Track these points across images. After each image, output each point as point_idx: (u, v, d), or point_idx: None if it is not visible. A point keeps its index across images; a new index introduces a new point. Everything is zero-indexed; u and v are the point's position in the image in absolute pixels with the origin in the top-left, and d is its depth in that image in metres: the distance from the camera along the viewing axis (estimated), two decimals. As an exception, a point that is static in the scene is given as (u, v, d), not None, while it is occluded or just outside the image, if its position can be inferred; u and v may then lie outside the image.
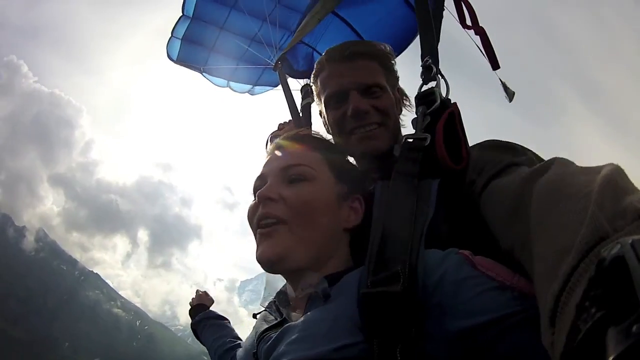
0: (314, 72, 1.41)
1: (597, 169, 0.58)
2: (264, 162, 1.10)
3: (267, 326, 0.99)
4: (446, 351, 0.73)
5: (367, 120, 1.28)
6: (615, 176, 0.53)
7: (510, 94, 1.58)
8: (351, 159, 1.30)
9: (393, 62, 1.41)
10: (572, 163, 0.73)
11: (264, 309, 1.12)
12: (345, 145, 1.30)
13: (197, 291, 2.18)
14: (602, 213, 0.45)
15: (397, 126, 1.35)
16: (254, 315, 1.15)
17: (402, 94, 1.44)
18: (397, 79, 1.41)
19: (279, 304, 1.05)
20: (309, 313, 0.88)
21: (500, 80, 1.55)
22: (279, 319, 0.99)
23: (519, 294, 0.69)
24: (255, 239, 0.99)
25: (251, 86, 2.92)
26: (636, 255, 0.32)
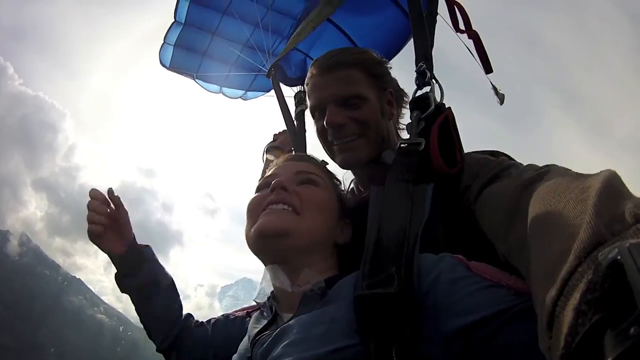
0: (305, 80, 1.41)
1: (593, 175, 0.59)
2: (273, 168, 1.16)
3: (260, 327, 1.00)
4: (442, 350, 0.73)
5: (343, 132, 1.27)
6: (612, 182, 0.54)
7: (500, 97, 1.58)
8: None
9: (383, 67, 1.39)
10: (568, 170, 0.74)
11: (257, 304, 1.13)
12: (329, 154, 1.35)
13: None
14: (600, 218, 0.46)
15: (383, 134, 1.31)
16: (248, 314, 1.18)
17: (400, 96, 1.42)
18: (388, 82, 1.38)
19: (271, 300, 1.07)
20: (304, 315, 0.89)
21: (491, 83, 1.56)
22: (269, 318, 1.02)
23: (515, 291, 0.71)
24: (254, 220, 1.02)
25: (244, 91, 2.92)
26: (633, 259, 0.32)
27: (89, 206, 1.31)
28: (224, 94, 2.97)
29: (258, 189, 1.10)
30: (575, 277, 0.41)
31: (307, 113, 1.75)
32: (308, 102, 1.37)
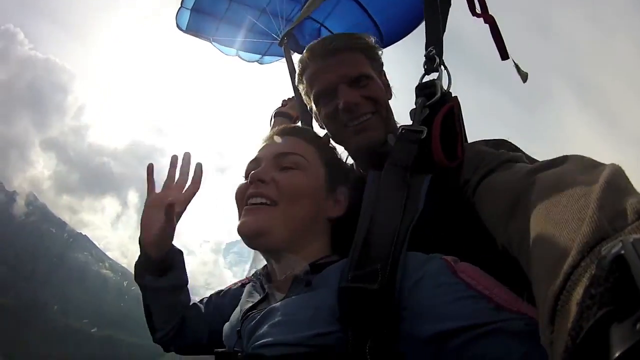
0: (298, 71, 1.40)
1: (597, 170, 0.58)
2: (259, 148, 1.15)
3: (251, 304, 1.03)
4: (417, 352, 0.75)
5: (359, 111, 1.27)
6: (615, 177, 0.53)
7: (523, 75, 1.58)
8: (345, 153, 1.36)
9: (378, 52, 1.40)
10: (574, 160, 0.72)
11: (249, 280, 1.17)
12: (341, 139, 1.32)
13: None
14: (603, 213, 0.45)
15: (390, 113, 1.34)
16: (243, 285, 1.23)
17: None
18: (381, 65, 1.40)
19: (263, 279, 1.10)
20: (291, 297, 0.92)
21: (514, 61, 1.55)
22: (261, 295, 1.04)
23: (495, 305, 0.70)
24: (239, 215, 1.04)
25: (260, 56, 2.94)
26: (637, 254, 0.32)
27: (181, 171, 1.35)
28: (240, 57, 3.01)
29: (246, 172, 1.10)
30: (578, 271, 0.41)
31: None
32: (310, 89, 1.35)
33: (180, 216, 1.29)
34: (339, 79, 1.27)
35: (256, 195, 1.01)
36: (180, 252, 1.37)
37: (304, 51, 1.35)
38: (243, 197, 1.04)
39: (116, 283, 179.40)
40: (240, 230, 0.99)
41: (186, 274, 1.38)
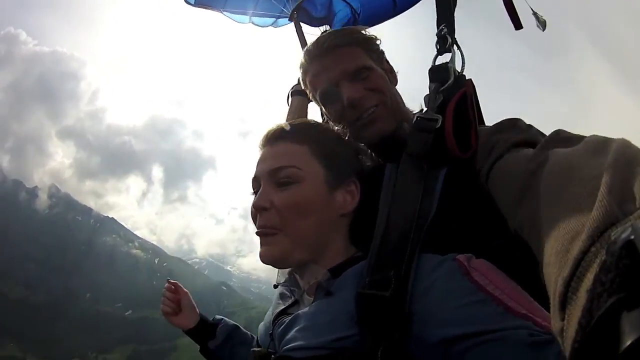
0: (301, 77, 1.38)
1: (606, 149, 0.57)
2: (257, 160, 1.14)
3: (282, 307, 1.08)
4: (426, 355, 0.78)
5: (365, 105, 1.21)
6: (626, 158, 0.52)
7: (542, 23, 1.58)
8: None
9: (376, 42, 1.32)
10: (580, 138, 0.71)
11: (280, 284, 1.20)
12: (354, 135, 1.24)
13: (168, 287, 1.63)
14: (612, 196, 0.44)
15: (397, 101, 1.27)
16: (275, 286, 1.22)
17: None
18: (382, 54, 1.32)
19: (291, 285, 1.13)
20: (315, 303, 0.96)
21: (532, 9, 1.55)
22: (292, 299, 1.09)
23: (503, 308, 0.73)
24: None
25: (274, 19, 2.63)
26: None
27: (164, 294, 1.58)
28: (254, 24, 2.73)
29: (253, 190, 1.11)
30: (589, 257, 0.40)
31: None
32: (314, 91, 1.31)
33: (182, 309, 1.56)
34: (339, 75, 1.22)
35: (261, 227, 1.04)
36: (222, 320, 1.58)
37: (302, 55, 1.32)
38: (255, 221, 1.07)
39: (147, 261, 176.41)
40: (262, 259, 1.04)
41: (232, 324, 1.57)
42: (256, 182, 1.09)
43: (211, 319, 1.57)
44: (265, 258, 1.02)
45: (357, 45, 1.26)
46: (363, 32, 1.32)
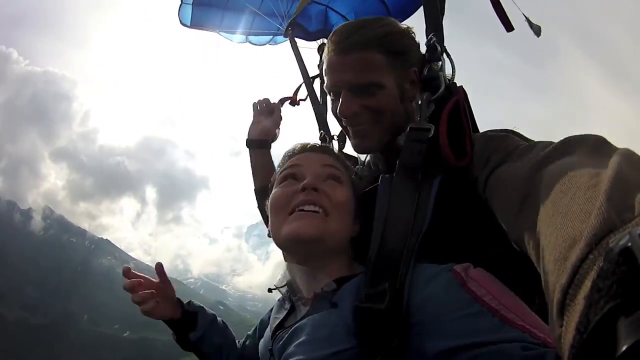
0: (321, 53, 1.43)
1: (607, 157, 0.57)
2: (293, 154, 1.20)
3: (279, 321, 1.10)
4: None
5: (356, 120, 1.21)
6: (626, 165, 0.53)
7: (536, 29, 1.58)
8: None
9: (407, 40, 1.23)
10: (581, 144, 0.71)
11: (277, 289, 1.17)
12: (347, 135, 1.29)
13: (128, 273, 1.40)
14: (611, 204, 0.45)
15: (400, 119, 1.20)
16: (270, 290, 1.19)
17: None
18: (413, 58, 1.21)
19: (289, 291, 1.12)
20: (313, 316, 0.97)
21: (525, 16, 1.55)
22: (288, 308, 1.11)
23: (500, 319, 0.74)
24: (283, 218, 1.05)
25: (271, 37, 2.80)
26: None
27: (126, 287, 1.33)
28: (251, 43, 2.89)
29: (281, 181, 1.12)
30: (586, 264, 0.40)
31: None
32: (325, 79, 1.28)
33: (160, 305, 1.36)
34: (344, 84, 1.19)
35: (311, 202, 1.02)
36: (201, 308, 1.48)
37: (329, 38, 1.24)
38: (289, 202, 1.05)
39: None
40: (295, 234, 1.00)
41: (213, 317, 1.50)
42: (295, 168, 1.13)
43: (186, 302, 1.45)
44: (304, 230, 0.99)
45: (382, 50, 1.15)
46: (396, 26, 1.21)
